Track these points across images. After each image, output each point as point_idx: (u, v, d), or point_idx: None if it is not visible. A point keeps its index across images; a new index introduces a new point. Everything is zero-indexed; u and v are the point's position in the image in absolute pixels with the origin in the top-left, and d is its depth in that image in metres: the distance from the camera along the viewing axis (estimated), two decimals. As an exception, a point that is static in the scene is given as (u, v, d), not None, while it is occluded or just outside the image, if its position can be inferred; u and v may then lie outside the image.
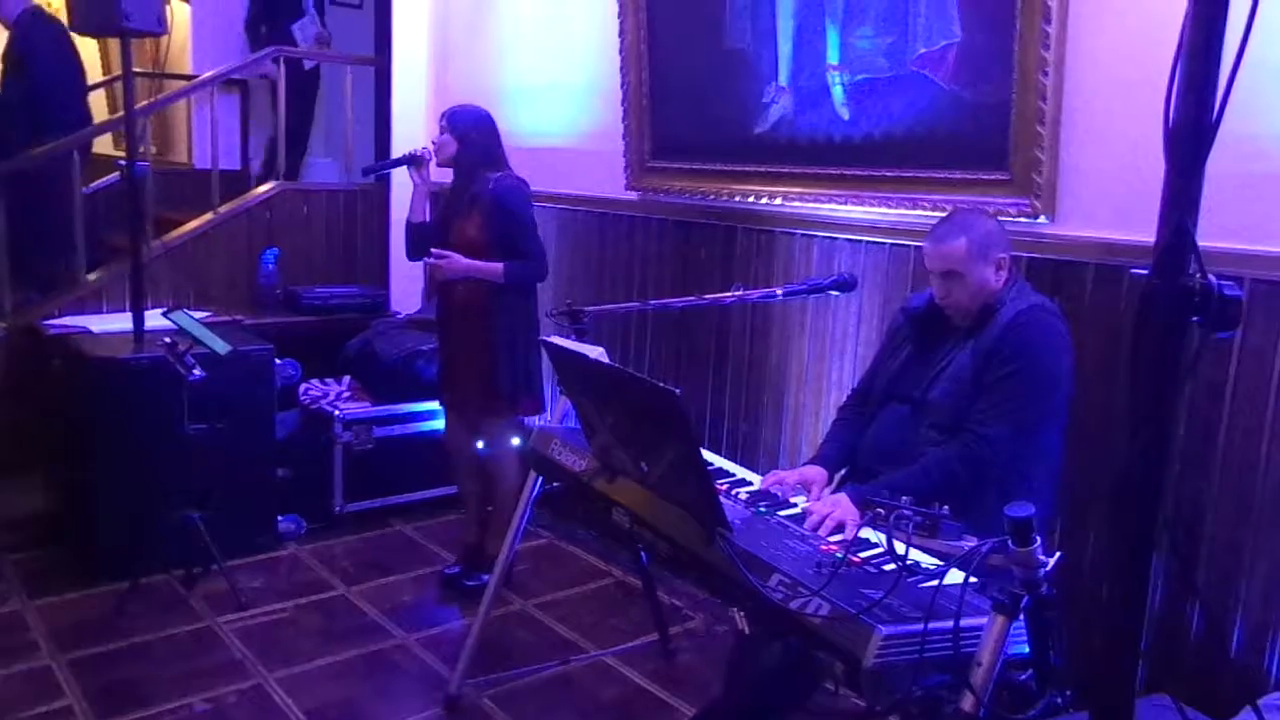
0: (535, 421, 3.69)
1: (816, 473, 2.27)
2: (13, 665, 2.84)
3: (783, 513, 2.01)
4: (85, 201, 4.39)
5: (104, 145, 5.73)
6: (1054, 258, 2.51)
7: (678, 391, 1.73)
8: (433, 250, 3.20)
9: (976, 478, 2.03)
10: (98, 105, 6.35)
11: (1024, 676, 1.51)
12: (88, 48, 7.08)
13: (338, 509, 3.98)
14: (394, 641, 3.10)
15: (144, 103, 4.70)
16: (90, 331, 3.82)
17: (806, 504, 2.07)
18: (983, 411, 2.07)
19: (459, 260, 3.18)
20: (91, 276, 4.30)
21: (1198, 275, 0.94)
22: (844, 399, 2.56)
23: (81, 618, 3.13)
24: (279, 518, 3.84)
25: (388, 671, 2.93)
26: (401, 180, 3.66)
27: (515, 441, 3.39)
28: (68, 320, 4.05)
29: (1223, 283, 0.94)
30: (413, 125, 4.74)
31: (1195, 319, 0.93)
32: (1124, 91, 2.34)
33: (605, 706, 2.77)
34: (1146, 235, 0.97)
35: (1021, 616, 1.46)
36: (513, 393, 3.29)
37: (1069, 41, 2.42)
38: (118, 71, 3.97)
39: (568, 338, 2.66)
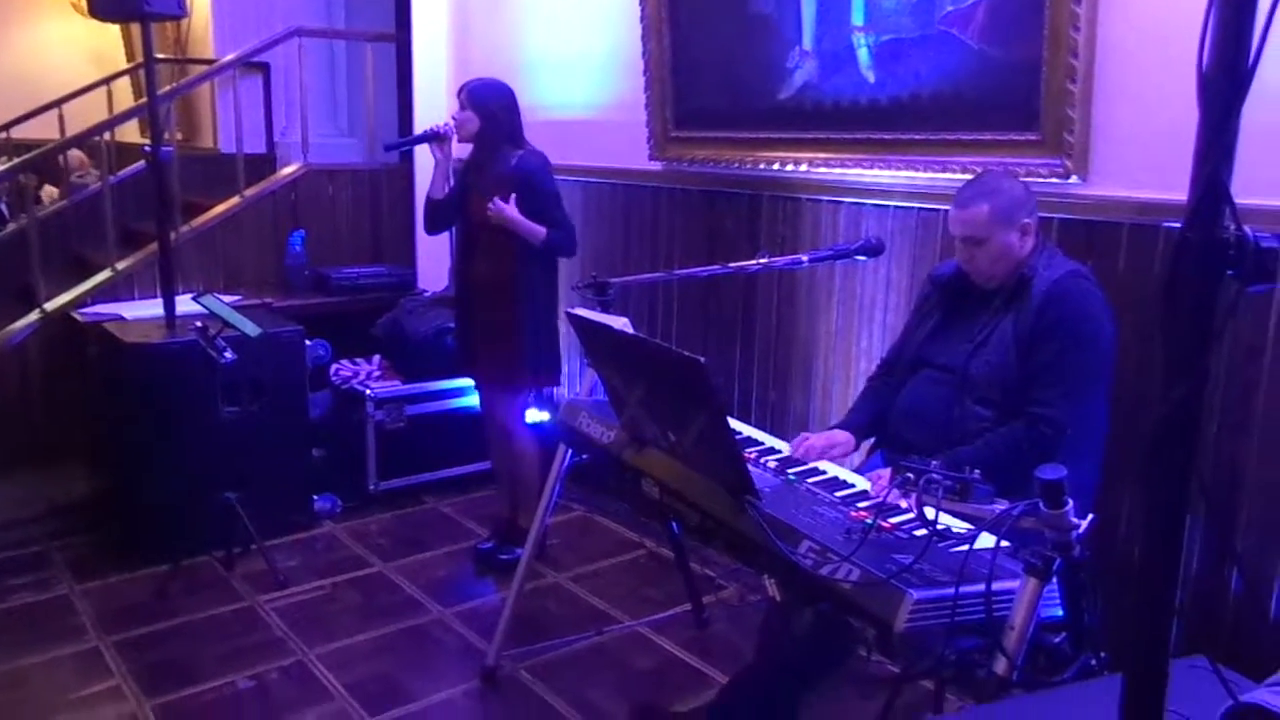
0: (563, 394, 3.71)
1: (844, 436, 2.26)
2: (62, 647, 2.91)
3: (812, 480, 2.00)
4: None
5: (130, 132, 5.79)
6: (1087, 219, 2.46)
7: (703, 360, 1.72)
8: (495, 201, 3.12)
9: (1044, 459, 2.00)
10: (123, 91, 6.43)
11: (1058, 639, 1.50)
12: (110, 33, 7.15)
13: (372, 487, 4.02)
14: (431, 616, 3.13)
15: (167, 88, 4.73)
16: (123, 318, 3.87)
17: (837, 471, 2.07)
18: (1043, 392, 2.05)
19: (509, 212, 3.12)
20: (121, 264, 4.35)
21: (1232, 227, 0.91)
22: (873, 367, 2.54)
23: (126, 600, 3.20)
24: (315, 497, 3.89)
25: (425, 645, 2.96)
26: (425, 158, 3.65)
27: (540, 416, 3.40)
28: (100, 308, 4.11)
29: (1259, 234, 0.91)
30: (434, 101, 4.74)
31: (1230, 272, 0.91)
32: (1158, 46, 2.28)
33: (640, 675, 2.80)
34: (1182, 194, 0.95)
35: (1055, 579, 1.45)
36: (534, 367, 3.29)
37: (1100, -6, 2.36)
38: (140, 58, 4.00)
39: (593, 309, 2.65)
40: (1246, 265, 0.91)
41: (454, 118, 3.26)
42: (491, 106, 3.22)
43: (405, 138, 3.56)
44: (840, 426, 2.34)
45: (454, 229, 3.48)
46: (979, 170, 2.48)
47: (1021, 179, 2.38)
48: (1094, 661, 1.51)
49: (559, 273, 3.38)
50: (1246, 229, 0.91)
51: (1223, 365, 2.24)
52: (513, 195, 3.14)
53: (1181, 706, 1.08)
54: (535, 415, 3.44)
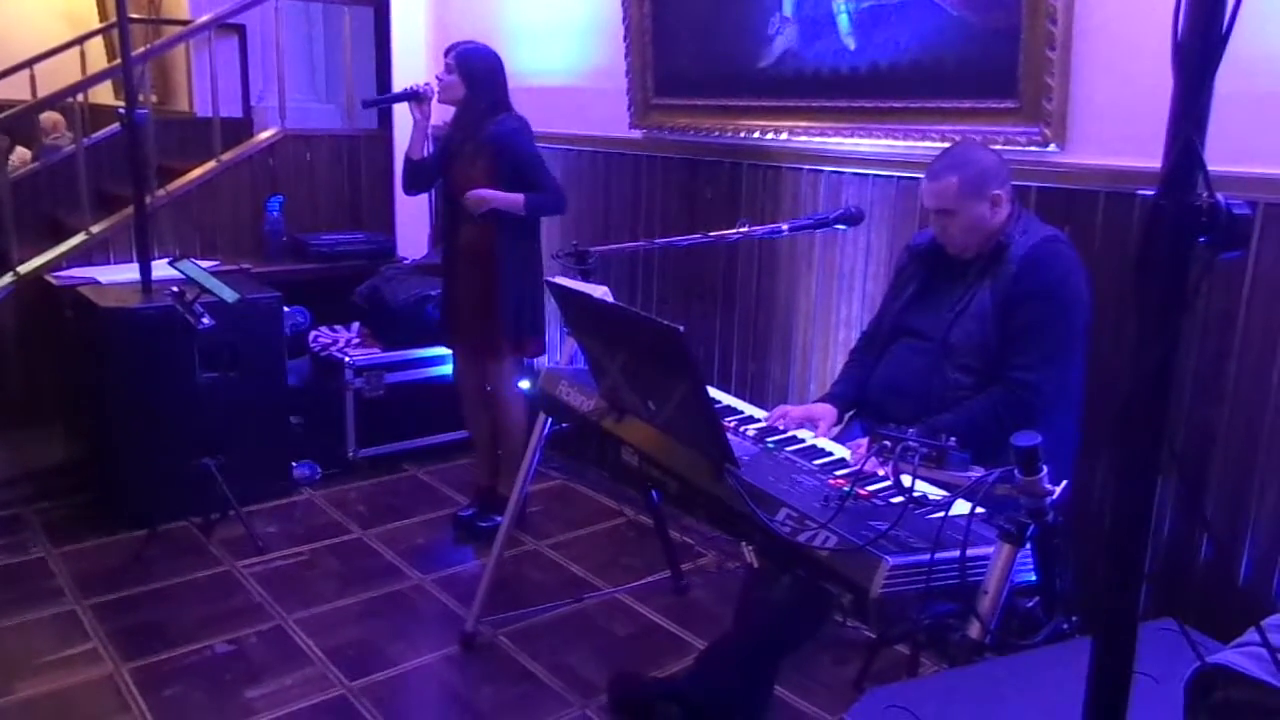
0: (543, 363, 3.70)
1: (825, 409, 2.27)
2: (39, 611, 2.90)
3: (791, 448, 2.01)
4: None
5: (104, 94, 5.68)
6: (1065, 187, 2.47)
7: (681, 329, 1.73)
8: (468, 195, 3.15)
9: (1022, 424, 2.02)
10: (96, 53, 6.31)
11: (1030, 604, 1.53)
12: (84, -6, 7.00)
13: (351, 454, 4.02)
14: (410, 582, 3.14)
15: (141, 49, 4.64)
16: (98, 282, 3.82)
17: (816, 439, 2.08)
18: (1021, 357, 2.06)
19: (482, 193, 3.13)
20: (96, 228, 4.30)
21: (1205, 194, 0.92)
22: (853, 336, 2.55)
23: (103, 564, 3.19)
24: (293, 464, 3.88)
25: (405, 611, 2.97)
26: (405, 122, 3.62)
27: (523, 384, 3.40)
28: (75, 272, 4.05)
29: (1231, 201, 0.92)
30: (413, 67, 4.67)
31: (1202, 239, 0.92)
32: (1137, 14, 2.28)
33: (618, 642, 2.82)
34: (1157, 161, 0.95)
35: (1028, 544, 1.47)
36: (517, 335, 3.28)
37: (1081, -38, 2.35)
38: (113, 17, 3.92)
39: (573, 278, 2.64)
40: (1219, 232, 0.91)
41: (438, 78, 3.21)
42: (479, 74, 3.17)
43: (384, 95, 3.51)
44: (823, 400, 2.35)
45: (438, 197, 3.45)
46: (958, 138, 2.49)
47: (998, 148, 2.39)
48: (1066, 625, 1.54)
49: (542, 240, 3.36)
50: (1219, 196, 0.92)
51: (1195, 331, 2.26)
52: (483, 174, 3.14)
53: (1150, 668, 1.10)
54: (525, 383, 3.44)
